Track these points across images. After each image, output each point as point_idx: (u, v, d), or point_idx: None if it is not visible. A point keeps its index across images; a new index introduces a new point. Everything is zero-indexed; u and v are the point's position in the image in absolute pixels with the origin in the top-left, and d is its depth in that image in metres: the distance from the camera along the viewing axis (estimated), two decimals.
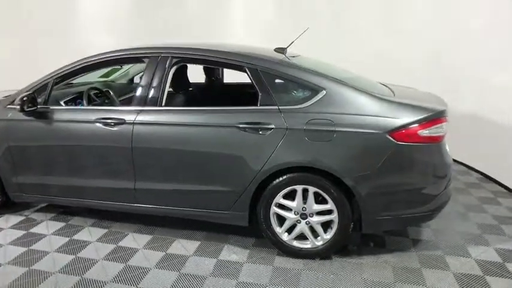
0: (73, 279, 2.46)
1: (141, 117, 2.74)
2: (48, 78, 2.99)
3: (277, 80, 2.65)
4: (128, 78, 4.25)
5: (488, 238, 2.94)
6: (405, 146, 2.43)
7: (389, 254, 2.74)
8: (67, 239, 2.97)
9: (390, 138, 2.41)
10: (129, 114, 2.77)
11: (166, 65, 2.79)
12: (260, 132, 2.55)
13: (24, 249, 2.82)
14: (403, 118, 2.44)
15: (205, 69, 3.92)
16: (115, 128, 2.77)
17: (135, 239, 2.96)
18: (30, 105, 2.84)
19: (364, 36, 5.09)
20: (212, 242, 2.91)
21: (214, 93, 3.89)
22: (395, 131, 2.41)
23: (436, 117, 2.49)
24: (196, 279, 2.48)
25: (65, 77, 3.02)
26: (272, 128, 2.53)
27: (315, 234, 2.65)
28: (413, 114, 2.46)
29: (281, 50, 3.11)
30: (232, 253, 2.78)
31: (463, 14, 4.43)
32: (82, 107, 3.04)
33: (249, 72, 2.68)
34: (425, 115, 2.46)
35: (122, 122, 2.76)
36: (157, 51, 2.84)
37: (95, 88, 3.47)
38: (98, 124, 2.81)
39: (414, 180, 2.52)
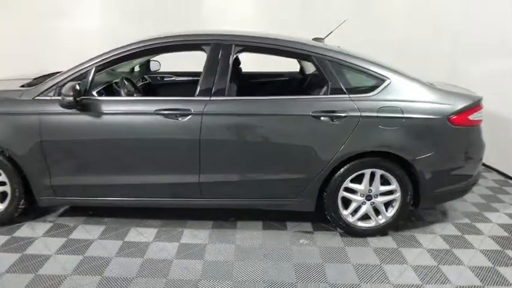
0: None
1: (210, 108, 2.62)
2: (89, 66, 2.66)
3: (344, 70, 2.75)
4: (130, 67, 3.93)
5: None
6: (459, 129, 2.75)
7: (435, 225, 3.11)
8: (120, 241, 2.73)
9: (449, 122, 2.71)
10: (195, 104, 2.62)
11: (230, 53, 2.69)
12: (334, 120, 2.65)
13: (79, 257, 2.53)
14: (457, 104, 2.75)
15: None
16: (180, 120, 2.60)
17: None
18: (75, 96, 2.51)
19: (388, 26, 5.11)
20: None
21: (258, 82, 3.81)
22: (452, 116, 2.72)
23: (478, 103, 2.85)
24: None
25: (109, 64, 2.71)
26: (346, 116, 2.65)
27: (377, 213, 2.87)
28: (463, 101, 2.79)
29: (319, 40, 3.22)
30: (301, 238, 2.86)
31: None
32: (138, 98, 2.75)
33: (316, 62, 2.74)
34: (472, 102, 2.81)
35: (188, 113, 2.60)
36: (219, 39, 2.72)
37: (127, 78, 3.17)
38: (158, 116, 2.61)
39: (463, 159, 2.86)
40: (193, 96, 2.67)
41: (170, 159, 2.69)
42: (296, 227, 3.01)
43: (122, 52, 2.69)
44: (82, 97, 2.58)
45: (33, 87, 2.71)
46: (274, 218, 3.09)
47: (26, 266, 2.42)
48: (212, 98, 2.65)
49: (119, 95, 3.05)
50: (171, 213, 3.09)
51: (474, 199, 3.60)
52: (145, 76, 4.03)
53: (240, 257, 2.60)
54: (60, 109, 2.60)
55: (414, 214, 3.23)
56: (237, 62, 3.63)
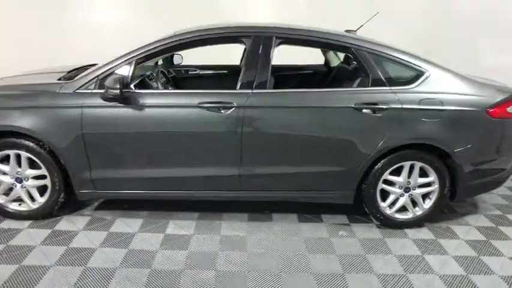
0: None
1: (252, 101, 2.62)
2: (129, 59, 2.64)
3: (383, 62, 2.76)
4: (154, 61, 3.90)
5: None
6: (497, 122, 2.77)
7: (468, 216, 3.14)
8: (161, 235, 2.74)
9: (487, 115, 2.73)
10: (238, 97, 2.62)
11: (271, 46, 2.69)
12: (376, 113, 2.66)
13: (124, 250, 2.54)
14: (495, 97, 2.77)
15: None
16: (223, 113, 2.60)
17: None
18: (121, 88, 2.49)
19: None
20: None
21: (284, 75, 3.79)
22: (491, 108, 2.73)
23: None
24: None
25: (149, 57, 2.70)
26: (387, 108, 2.65)
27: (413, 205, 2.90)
28: (501, 93, 2.80)
29: (351, 32, 3.21)
30: (339, 230, 2.88)
31: None
32: (181, 91, 2.74)
33: (356, 54, 2.74)
34: (509, 94, 2.82)
35: (231, 106, 2.60)
36: (260, 31, 2.72)
37: (162, 71, 3.15)
38: (201, 109, 2.60)
39: (499, 151, 2.88)
40: (229, 89, 2.67)
41: (211, 152, 2.69)
42: (332, 220, 3.03)
43: (163, 45, 2.67)
44: (124, 90, 2.57)
45: (72, 80, 2.69)
46: (307, 210, 3.11)
47: (73, 259, 2.42)
48: (254, 91, 2.64)
49: (151, 87, 3.04)
50: (207, 206, 3.10)
51: (501, 191, 3.63)
52: (170, 69, 4.01)
53: (283, 248, 2.62)
54: (101, 102, 2.60)
55: (447, 206, 3.26)
56: None
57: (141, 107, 2.61)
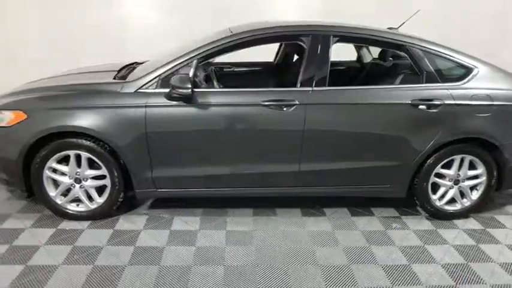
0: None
1: (313, 98, 2.67)
2: (191, 58, 2.66)
3: (436, 59, 2.84)
4: None
5: None
6: None
7: (508, 206, 3.26)
8: (223, 231, 2.77)
9: None
10: (299, 95, 2.67)
11: (329, 44, 2.74)
12: (431, 108, 2.74)
13: (192, 247, 2.57)
14: None
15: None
16: (285, 110, 2.65)
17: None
18: (192, 88, 2.50)
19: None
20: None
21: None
22: None
23: None
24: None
25: (209, 56, 2.71)
26: (442, 104, 2.74)
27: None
28: None
29: (393, 30, 3.29)
30: (392, 223, 2.97)
31: None
32: (244, 89, 2.75)
33: (410, 52, 2.81)
34: None
35: (293, 104, 2.65)
36: (317, 30, 2.76)
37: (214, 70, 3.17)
38: (264, 107, 2.64)
39: None
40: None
41: (272, 150, 2.74)
42: (382, 213, 3.11)
43: (223, 44, 2.69)
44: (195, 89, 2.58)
45: (133, 80, 2.69)
46: (356, 204, 3.19)
47: (145, 258, 2.44)
48: (314, 89, 2.70)
49: (208, 86, 3.06)
50: (260, 202, 3.15)
51: None
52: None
53: (348, 242, 2.69)
54: (165, 101, 2.61)
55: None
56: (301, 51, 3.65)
57: (206, 106, 2.62)
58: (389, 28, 3.32)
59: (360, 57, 4.11)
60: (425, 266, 2.46)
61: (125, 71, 3.09)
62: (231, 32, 2.79)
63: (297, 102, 2.65)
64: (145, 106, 2.60)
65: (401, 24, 3.43)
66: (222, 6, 5.72)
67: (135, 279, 2.25)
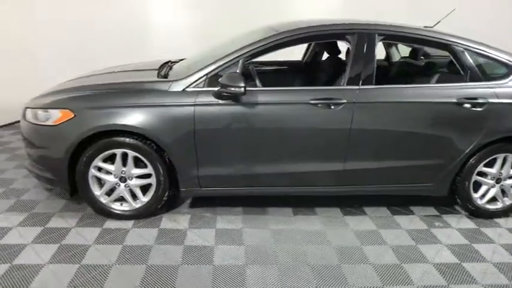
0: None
1: (361, 97, 2.66)
2: (238, 57, 2.64)
3: (479, 58, 2.85)
4: None
5: None
6: None
7: None
8: (266, 230, 2.76)
9: None
10: (347, 93, 2.67)
11: (375, 43, 2.74)
12: (476, 107, 2.74)
13: (241, 247, 2.55)
14: None
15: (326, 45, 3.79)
16: (333, 109, 2.64)
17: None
18: (245, 87, 2.48)
19: None
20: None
21: None
22: None
23: None
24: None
25: (256, 54, 2.69)
26: (486, 103, 2.74)
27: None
28: None
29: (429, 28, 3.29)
30: (434, 221, 2.97)
31: None
32: (292, 88, 2.75)
33: (455, 51, 2.82)
34: None
35: (341, 103, 2.64)
36: (363, 28, 2.75)
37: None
38: (312, 105, 2.63)
39: None
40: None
41: (319, 148, 2.73)
42: (422, 211, 3.11)
43: (269, 43, 2.68)
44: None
45: (180, 78, 2.67)
46: (391, 203, 3.18)
47: (197, 257, 2.43)
48: (361, 87, 2.69)
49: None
50: (299, 201, 3.14)
51: None
52: None
53: (395, 241, 2.69)
54: (213, 99, 2.60)
55: None
56: (336, 50, 3.65)
57: (254, 104, 2.62)
58: (425, 27, 3.32)
59: (388, 56, 4.11)
60: (477, 265, 2.46)
61: (165, 70, 3.08)
62: (276, 30, 2.78)
63: (345, 101, 2.65)
64: (194, 105, 2.59)
65: (437, 23, 3.43)
66: (240, 5, 5.75)
67: (193, 279, 2.23)
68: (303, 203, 3.13)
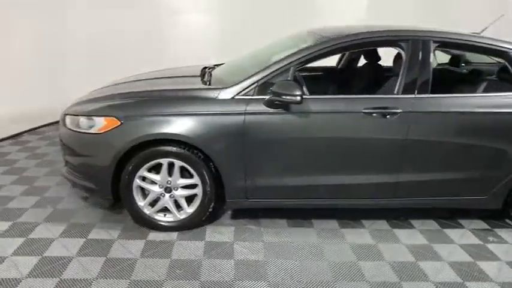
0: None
1: (416, 106, 2.56)
2: (288, 64, 2.55)
3: None
4: None
5: None
6: None
7: None
8: (315, 242, 2.66)
9: None
10: (402, 103, 2.57)
11: (430, 50, 2.64)
12: None
13: (294, 262, 2.45)
14: None
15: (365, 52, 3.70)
16: (388, 118, 2.54)
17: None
18: (301, 95, 2.39)
19: None
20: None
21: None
22: None
23: None
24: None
25: (307, 62, 2.60)
26: None
27: None
28: None
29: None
30: (487, 236, 2.85)
31: None
32: (344, 96, 2.66)
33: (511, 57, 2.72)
34: None
35: (397, 112, 2.55)
36: (417, 35, 2.66)
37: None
38: (365, 114, 2.54)
39: None
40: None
41: (372, 159, 2.63)
42: (471, 225, 2.99)
43: (319, 50, 2.59)
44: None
45: (229, 86, 2.58)
46: (438, 216, 3.07)
47: (250, 272, 2.33)
48: (417, 96, 2.59)
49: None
50: (343, 213, 3.04)
51: None
52: None
53: (452, 256, 2.57)
54: (264, 108, 2.50)
55: None
56: (376, 56, 3.56)
57: (306, 113, 2.52)
58: (472, 33, 3.23)
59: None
60: None
61: (208, 76, 3.00)
62: (326, 37, 2.69)
63: (401, 110, 2.55)
64: (244, 113, 2.49)
65: (484, 29, 3.34)
66: (263, 10, 5.71)
67: None
68: (348, 215, 3.03)
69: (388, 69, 3.69)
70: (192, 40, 5.82)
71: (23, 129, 4.78)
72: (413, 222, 3.02)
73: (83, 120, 2.62)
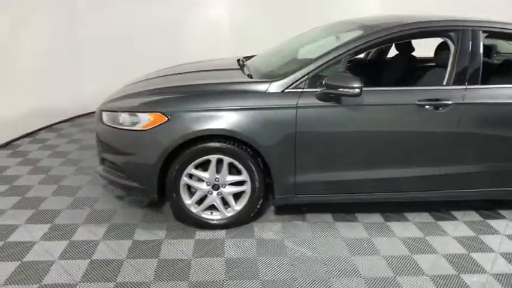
0: None
1: (468, 97, 2.52)
2: (340, 55, 2.48)
3: None
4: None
5: None
6: None
7: None
8: (365, 236, 2.62)
9: None
10: (454, 94, 2.52)
11: (479, 39, 2.60)
12: None
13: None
14: None
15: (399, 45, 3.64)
16: (440, 110, 2.50)
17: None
18: (361, 87, 2.31)
19: None
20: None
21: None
22: None
23: None
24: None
25: (357, 52, 2.54)
26: None
27: None
28: None
29: None
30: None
31: None
32: (398, 88, 2.60)
33: None
34: None
35: (448, 104, 2.51)
36: (467, 25, 2.61)
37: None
38: (418, 106, 2.49)
39: None
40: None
41: (423, 152, 2.59)
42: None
43: (370, 41, 2.52)
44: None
45: (279, 79, 2.49)
46: (477, 207, 3.07)
47: (308, 269, 2.27)
48: (468, 87, 2.56)
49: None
50: (386, 206, 3.00)
51: None
52: None
53: (503, 247, 2.56)
54: (316, 101, 2.44)
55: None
56: (410, 48, 3.51)
57: (358, 106, 2.46)
58: None
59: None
60: None
61: (247, 69, 2.91)
62: (374, 27, 2.62)
63: (452, 102, 2.51)
64: (296, 107, 2.42)
65: None
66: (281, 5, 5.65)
67: None
68: (391, 208, 2.99)
69: (420, 60, 3.68)
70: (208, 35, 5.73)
71: (39, 127, 4.61)
72: (456, 213, 3.00)
73: (125, 116, 2.51)
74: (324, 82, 2.39)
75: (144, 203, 2.95)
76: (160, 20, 5.43)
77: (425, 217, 2.93)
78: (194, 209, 2.60)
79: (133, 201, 2.99)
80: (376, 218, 2.89)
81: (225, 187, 2.57)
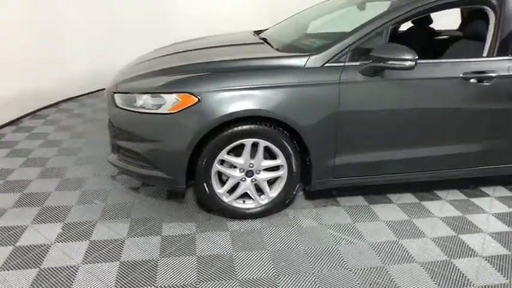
0: None
1: None
2: (382, 25, 2.27)
3: None
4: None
5: None
6: None
7: None
8: (405, 217, 2.50)
9: None
10: (498, 66, 2.39)
11: None
12: None
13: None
14: None
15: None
16: (484, 84, 2.37)
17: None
18: (415, 59, 2.11)
19: None
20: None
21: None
22: None
23: None
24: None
25: (401, 21, 2.33)
26: None
27: None
28: None
29: None
30: None
31: None
32: (441, 60, 2.41)
33: None
34: None
35: (493, 76, 2.38)
36: None
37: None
38: (463, 80, 2.34)
39: None
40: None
41: (468, 129, 2.47)
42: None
43: (414, 8, 2.32)
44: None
45: (318, 53, 2.26)
46: (505, 182, 3.04)
47: (361, 257, 2.13)
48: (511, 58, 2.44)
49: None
50: (416, 185, 2.89)
51: None
52: None
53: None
54: (360, 77, 2.23)
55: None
56: (428, 20, 3.36)
57: (408, 80, 2.28)
58: None
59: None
60: None
61: (273, 43, 2.65)
62: None
63: (497, 74, 2.39)
64: (339, 83, 2.21)
65: None
66: None
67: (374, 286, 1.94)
68: (421, 187, 2.89)
69: (439, 32, 3.55)
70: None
71: (21, 114, 4.14)
72: (485, 189, 2.95)
73: (146, 98, 2.21)
74: (370, 54, 2.19)
75: (163, 194, 2.68)
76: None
77: (457, 194, 2.86)
78: (226, 198, 2.37)
79: (150, 192, 2.71)
80: (409, 198, 2.78)
81: (259, 173, 2.35)
